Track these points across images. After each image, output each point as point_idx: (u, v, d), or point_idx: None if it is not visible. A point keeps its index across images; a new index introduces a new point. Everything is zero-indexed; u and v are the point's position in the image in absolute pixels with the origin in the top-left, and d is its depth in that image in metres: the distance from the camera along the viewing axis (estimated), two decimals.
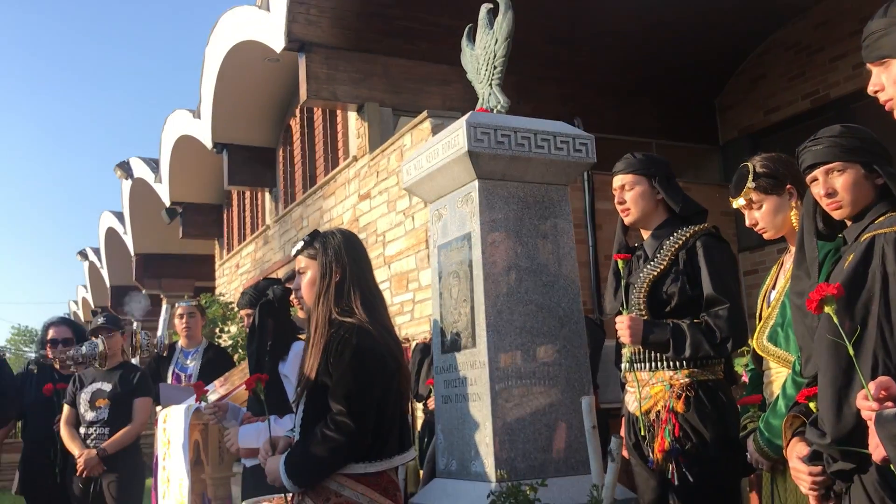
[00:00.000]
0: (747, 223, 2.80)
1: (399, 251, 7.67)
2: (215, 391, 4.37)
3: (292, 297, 4.84)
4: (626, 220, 3.23)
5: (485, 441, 3.20)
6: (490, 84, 3.58)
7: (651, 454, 2.98)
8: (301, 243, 2.77)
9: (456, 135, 3.33)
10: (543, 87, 8.87)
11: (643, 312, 3.05)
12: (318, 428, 2.49)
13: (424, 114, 7.29)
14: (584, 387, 3.33)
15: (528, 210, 3.41)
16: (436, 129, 7.02)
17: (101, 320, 5.10)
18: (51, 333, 5.43)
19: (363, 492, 2.49)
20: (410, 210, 7.56)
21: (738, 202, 2.78)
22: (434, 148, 3.51)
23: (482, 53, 3.60)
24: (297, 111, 10.72)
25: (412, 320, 7.33)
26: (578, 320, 3.42)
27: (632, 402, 3.13)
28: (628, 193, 3.18)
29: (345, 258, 2.66)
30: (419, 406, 5.42)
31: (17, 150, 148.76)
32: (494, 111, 3.52)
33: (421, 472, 4.98)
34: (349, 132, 9.27)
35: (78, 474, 4.77)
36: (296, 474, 2.50)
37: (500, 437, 3.16)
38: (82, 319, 21.83)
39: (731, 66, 9.54)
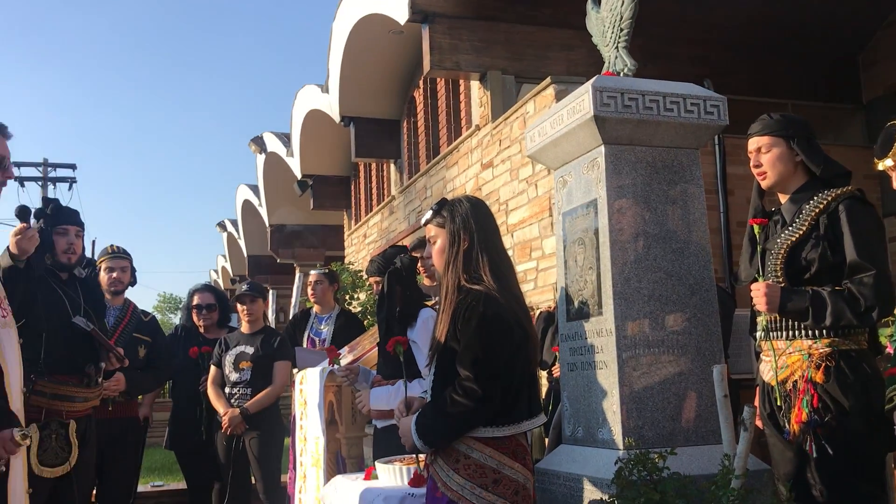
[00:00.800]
0: (895, 186, 2.65)
1: (522, 219, 7.66)
2: (346, 355, 4.54)
3: (419, 264, 4.96)
4: (763, 184, 3.11)
5: (612, 409, 3.19)
6: (616, 47, 3.51)
7: (787, 425, 2.89)
8: (430, 212, 2.81)
9: (581, 99, 3.29)
10: (672, 48, 8.59)
11: (780, 279, 2.94)
12: (447, 392, 2.55)
13: (548, 80, 7.21)
14: (714, 356, 3.26)
15: (656, 175, 3.34)
16: (559, 96, 6.94)
17: (244, 287, 5.37)
18: (196, 300, 5.76)
19: (491, 454, 2.54)
20: (533, 178, 7.53)
21: (885, 163, 2.63)
22: (559, 114, 3.48)
23: (608, 16, 3.53)
24: (421, 82, 10.84)
25: (535, 288, 7.33)
26: (710, 288, 3.33)
27: (767, 372, 3.03)
28: (764, 156, 3.06)
29: (472, 225, 2.69)
30: (543, 374, 5.43)
31: (163, 129, 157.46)
32: (621, 74, 3.45)
33: (546, 439, 5.01)
34: (472, 101, 9.29)
35: (222, 431, 5.08)
36: (425, 435, 2.58)
37: (627, 405, 3.14)
38: (222, 287, 23.00)
39: (877, 19, 8.91)
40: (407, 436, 2.64)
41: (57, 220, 4.12)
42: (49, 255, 4.08)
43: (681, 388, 3.20)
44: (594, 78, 3.32)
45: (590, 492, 3.07)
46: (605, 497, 2.82)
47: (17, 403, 2.88)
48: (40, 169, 26.63)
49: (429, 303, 4.24)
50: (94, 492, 4.54)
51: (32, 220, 3.81)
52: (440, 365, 2.63)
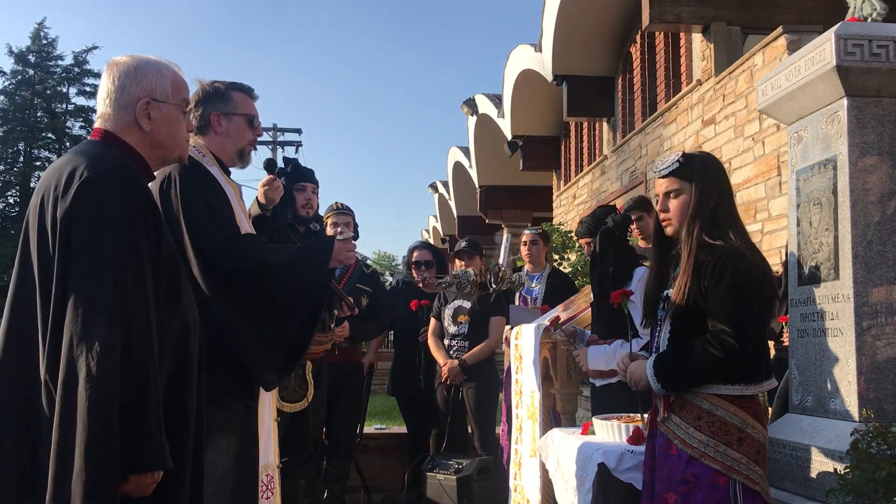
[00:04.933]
0: None
1: (746, 179, 7.28)
2: (560, 314, 4.58)
3: (632, 225, 4.87)
4: None
5: (846, 378, 3.00)
6: None
7: None
8: (672, 164, 2.70)
9: (822, 49, 3.07)
10: None
11: None
12: (696, 341, 2.53)
13: (779, 30, 6.74)
14: None
15: None
16: (791, 46, 6.47)
17: (463, 244, 5.56)
18: (415, 256, 6.04)
19: (736, 413, 2.50)
20: (760, 135, 7.11)
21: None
22: (795, 65, 3.26)
23: None
24: (638, 37, 10.50)
25: (761, 251, 6.97)
26: None
27: None
28: None
29: (719, 182, 2.65)
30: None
31: (380, 95, 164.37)
32: (868, 20, 3.17)
33: (769, 407, 4.80)
34: (693, 55, 8.89)
35: (441, 381, 5.33)
36: (665, 376, 2.58)
37: (865, 375, 2.94)
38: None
39: None
40: (640, 377, 2.64)
41: (297, 177, 4.49)
42: (290, 210, 4.46)
43: None
44: (837, 25, 3.08)
45: (819, 463, 2.92)
46: (838, 469, 2.67)
47: None
48: (270, 133, 28.81)
49: (645, 263, 4.18)
50: (324, 429, 4.93)
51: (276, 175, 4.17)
52: (678, 321, 2.61)
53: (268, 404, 3.00)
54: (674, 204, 2.68)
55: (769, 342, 5.13)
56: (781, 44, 6.71)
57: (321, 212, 5.19)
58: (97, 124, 2.20)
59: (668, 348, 2.66)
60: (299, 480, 4.27)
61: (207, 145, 3.02)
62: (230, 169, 3.10)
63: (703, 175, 2.65)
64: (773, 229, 6.81)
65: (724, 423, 2.50)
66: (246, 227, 3.00)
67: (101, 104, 2.18)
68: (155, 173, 2.32)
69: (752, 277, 2.52)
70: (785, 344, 4.31)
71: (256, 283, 2.81)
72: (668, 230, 2.72)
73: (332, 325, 4.43)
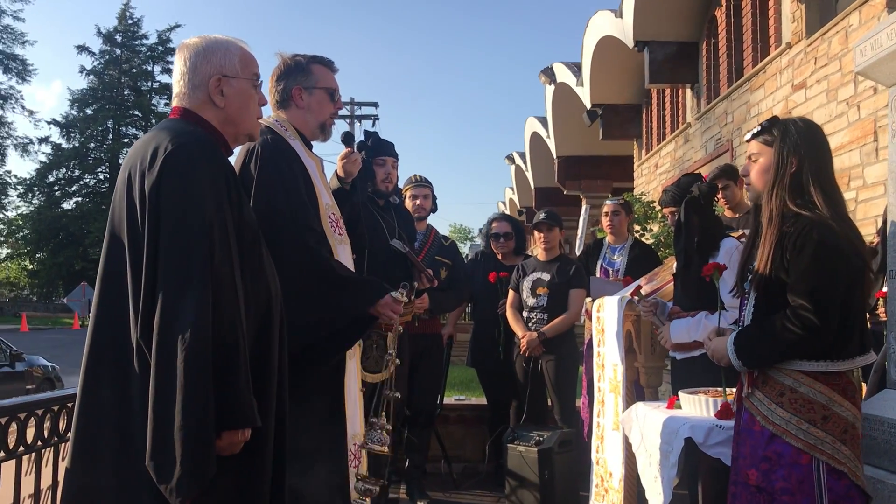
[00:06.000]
0: None
1: (840, 145, 6.97)
2: (644, 286, 4.48)
3: (718, 194, 4.71)
4: None
5: None
6: None
7: None
8: (758, 128, 2.66)
9: None
10: None
11: None
12: (776, 317, 2.44)
13: None
14: None
15: None
16: (891, 4, 6.13)
17: (542, 216, 5.49)
18: (494, 228, 6.00)
19: (821, 390, 2.41)
20: (855, 98, 6.78)
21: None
22: None
23: None
24: (724, 0, 10.13)
25: (854, 221, 6.68)
26: None
27: None
28: None
29: (804, 149, 2.52)
30: None
31: (457, 66, 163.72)
32: None
33: (864, 384, 4.61)
34: (781, 17, 8.53)
35: (521, 353, 5.30)
36: (745, 353, 2.52)
37: None
38: None
39: None
40: (722, 354, 2.59)
41: (377, 151, 4.49)
42: (370, 183, 4.47)
43: None
44: None
45: None
46: None
47: None
48: (348, 108, 29.08)
49: (733, 234, 4.04)
50: (406, 400, 4.98)
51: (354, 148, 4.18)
52: (761, 293, 2.52)
53: (353, 375, 3.03)
54: (753, 167, 2.65)
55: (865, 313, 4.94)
56: (880, 1, 6.36)
57: (400, 184, 5.20)
58: (174, 103, 2.29)
59: (750, 324, 2.58)
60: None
61: (290, 119, 3.04)
62: (312, 143, 3.12)
63: (783, 139, 2.56)
64: (868, 197, 6.51)
65: (808, 400, 2.41)
66: (327, 200, 3.02)
67: (177, 85, 2.27)
68: (236, 149, 2.37)
69: (836, 250, 2.39)
70: (882, 318, 4.13)
71: (310, 280, 2.77)
72: (749, 195, 2.68)
73: (413, 297, 4.45)
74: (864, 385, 4.35)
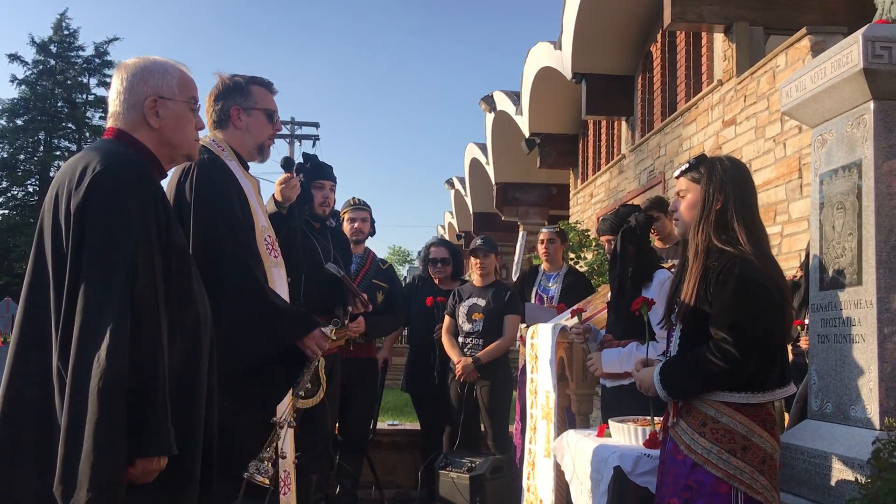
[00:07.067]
0: None
1: (767, 180, 7.21)
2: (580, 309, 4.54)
3: (653, 225, 4.82)
4: None
5: (868, 386, 2.96)
6: None
7: None
8: (686, 165, 2.76)
9: (849, 51, 3.03)
10: None
11: None
12: (699, 349, 2.51)
13: (803, 30, 6.67)
14: None
15: None
16: (815, 48, 6.40)
17: (479, 242, 5.53)
18: (432, 253, 6.02)
19: (742, 421, 2.47)
20: (782, 136, 7.04)
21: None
22: (821, 66, 3.22)
23: None
24: (659, 36, 10.43)
25: (780, 255, 6.90)
26: None
27: None
28: None
29: (729, 187, 2.61)
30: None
31: (398, 90, 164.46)
32: None
33: (786, 413, 4.75)
34: (714, 55, 8.82)
35: (455, 378, 5.31)
36: (669, 384, 2.58)
37: (886, 383, 2.91)
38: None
39: None
40: (648, 384, 2.64)
41: (316, 174, 4.47)
42: (307, 206, 4.45)
43: None
44: (865, 27, 3.04)
45: (838, 471, 2.89)
46: (860, 478, 2.64)
47: None
48: (288, 127, 28.85)
49: (665, 265, 4.14)
50: (338, 425, 4.93)
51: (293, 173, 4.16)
52: (688, 325, 2.59)
53: (284, 401, 2.99)
54: (682, 203, 2.74)
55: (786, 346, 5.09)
56: (805, 45, 6.64)
57: (338, 206, 5.18)
58: (109, 123, 2.27)
59: (676, 355, 2.65)
60: (312, 476, 4.26)
61: (227, 139, 3.02)
62: (249, 164, 3.09)
63: (710, 176, 2.65)
64: (792, 232, 6.75)
65: (729, 430, 2.47)
66: (263, 222, 3.00)
67: (112, 104, 2.25)
68: (170, 170, 2.34)
69: (757, 285, 2.47)
70: (803, 347, 4.27)
71: (246, 307, 2.72)
72: (678, 229, 2.77)
73: (347, 321, 4.42)
74: (787, 415, 4.49)
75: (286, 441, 2.92)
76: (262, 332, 2.75)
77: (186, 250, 2.24)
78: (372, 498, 5.60)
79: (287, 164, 3.73)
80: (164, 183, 2.48)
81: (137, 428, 1.89)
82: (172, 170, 2.65)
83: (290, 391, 2.92)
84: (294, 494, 3.00)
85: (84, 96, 29.80)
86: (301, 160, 4.53)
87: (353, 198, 5.49)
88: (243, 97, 3.02)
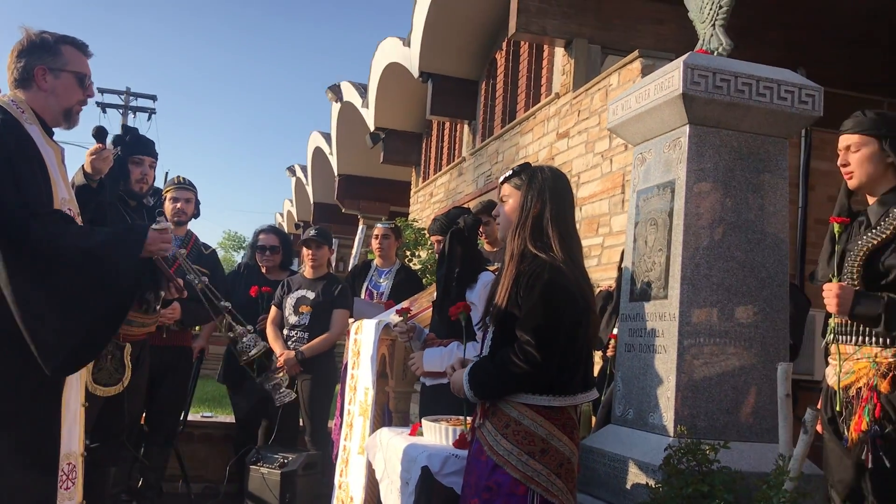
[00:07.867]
0: None
1: (592, 193, 7.54)
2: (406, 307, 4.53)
3: (481, 228, 4.90)
4: (850, 185, 2.96)
5: (666, 395, 3.12)
6: (713, 24, 3.37)
7: (846, 432, 2.79)
8: (510, 172, 2.81)
9: (671, 75, 3.18)
10: (767, 31, 8.26)
11: (856, 282, 2.81)
12: (505, 352, 2.55)
13: (635, 53, 7.02)
14: (780, 353, 3.16)
15: (740, 161, 3.22)
16: (646, 70, 6.74)
17: (312, 232, 5.40)
18: (261, 240, 5.83)
19: (542, 424, 2.53)
20: (609, 152, 7.38)
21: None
22: (645, 88, 3.37)
23: None
24: (504, 45, 10.67)
25: (599, 265, 7.23)
26: (782, 283, 3.22)
27: (831, 375, 2.93)
28: (853, 155, 2.91)
29: (547, 194, 2.68)
30: (597, 353, 5.36)
31: (243, 70, 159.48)
32: (715, 53, 3.32)
33: (594, 417, 4.96)
34: (554, 68, 9.12)
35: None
36: (477, 386, 2.62)
37: (683, 392, 3.07)
38: (286, 230, 23.28)
39: None
40: (459, 387, 2.67)
41: (134, 149, 4.19)
42: (122, 183, 4.16)
43: (740, 382, 3.12)
44: (687, 55, 3.20)
45: (634, 475, 3.02)
46: (651, 482, 2.77)
47: None
48: (122, 97, 27.26)
49: (490, 268, 4.20)
50: (144, 415, 4.67)
51: (110, 145, 3.87)
52: (499, 327, 2.63)
53: (75, 388, 2.77)
54: (504, 208, 2.81)
55: (595, 353, 5.31)
56: (636, 67, 6.99)
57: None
58: None
59: (485, 356, 2.69)
60: (109, 468, 4.00)
61: (28, 101, 2.75)
62: (53, 129, 2.84)
63: (530, 184, 2.72)
64: (613, 244, 7.08)
65: (530, 432, 2.54)
66: (64, 194, 2.76)
67: None
68: None
69: (564, 291, 2.55)
70: (610, 354, 4.46)
71: (56, 266, 2.58)
72: (500, 233, 2.84)
73: (158, 307, 4.18)
74: (594, 418, 4.68)
75: (72, 433, 2.70)
76: (109, 271, 2.69)
77: None
78: (178, 492, 5.35)
79: (99, 133, 3.46)
80: None
81: None
82: None
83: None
84: (80, 488, 2.77)
85: None
86: (121, 132, 4.24)
87: (178, 176, 5.20)
88: (51, 56, 2.77)
